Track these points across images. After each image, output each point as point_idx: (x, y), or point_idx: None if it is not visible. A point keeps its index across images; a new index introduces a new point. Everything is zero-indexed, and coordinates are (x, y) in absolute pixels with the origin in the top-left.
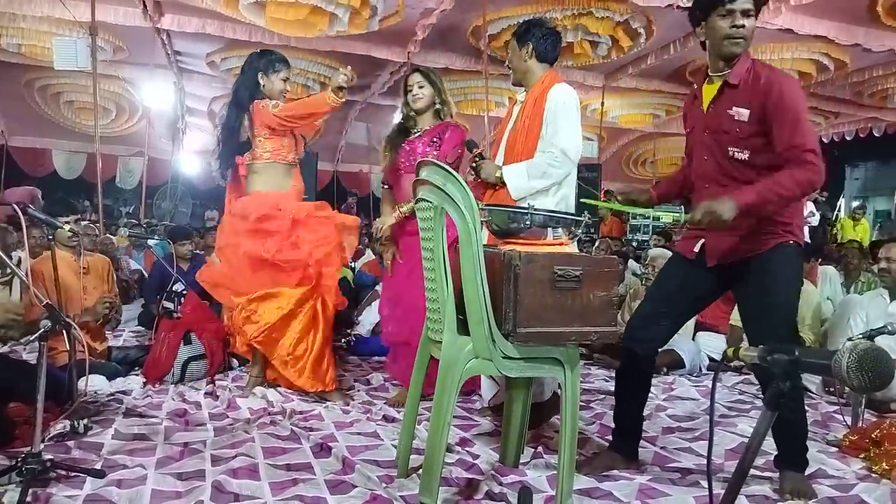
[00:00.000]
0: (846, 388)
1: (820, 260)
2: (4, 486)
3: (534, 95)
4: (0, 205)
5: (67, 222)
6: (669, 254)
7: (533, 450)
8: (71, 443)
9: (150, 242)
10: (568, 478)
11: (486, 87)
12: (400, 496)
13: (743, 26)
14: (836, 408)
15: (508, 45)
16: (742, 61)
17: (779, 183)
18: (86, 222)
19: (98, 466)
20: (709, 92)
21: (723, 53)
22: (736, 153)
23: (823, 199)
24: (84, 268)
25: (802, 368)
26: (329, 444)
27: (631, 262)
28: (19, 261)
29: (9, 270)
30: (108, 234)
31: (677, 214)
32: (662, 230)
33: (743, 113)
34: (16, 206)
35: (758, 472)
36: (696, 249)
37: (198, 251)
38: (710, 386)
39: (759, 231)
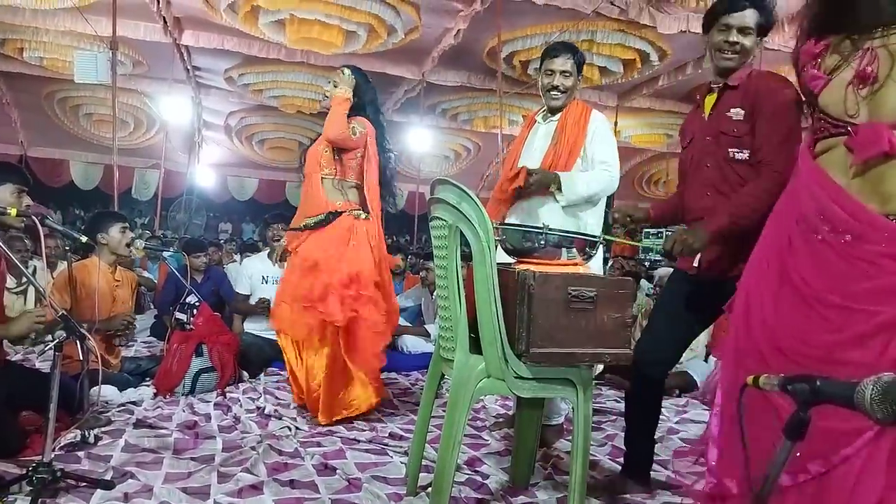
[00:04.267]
0: None
1: None
2: (15, 494)
3: (574, 116)
4: (19, 216)
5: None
6: None
7: (543, 470)
8: (81, 453)
9: (165, 254)
10: (579, 500)
11: (501, 105)
12: None
13: (737, 43)
14: None
15: (560, 67)
16: (743, 69)
17: (750, 196)
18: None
19: (108, 477)
20: (710, 101)
21: (716, 66)
22: (736, 154)
23: None
24: (118, 280)
25: (823, 398)
26: (335, 461)
27: (643, 283)
28: (34, 270)
29: (24, 280)
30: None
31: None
32: (671, 251)
33: (739, 112)
34: (34, 217)
35: None
36: (696, 264)
37: (212, 263)
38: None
39: (748, 246)
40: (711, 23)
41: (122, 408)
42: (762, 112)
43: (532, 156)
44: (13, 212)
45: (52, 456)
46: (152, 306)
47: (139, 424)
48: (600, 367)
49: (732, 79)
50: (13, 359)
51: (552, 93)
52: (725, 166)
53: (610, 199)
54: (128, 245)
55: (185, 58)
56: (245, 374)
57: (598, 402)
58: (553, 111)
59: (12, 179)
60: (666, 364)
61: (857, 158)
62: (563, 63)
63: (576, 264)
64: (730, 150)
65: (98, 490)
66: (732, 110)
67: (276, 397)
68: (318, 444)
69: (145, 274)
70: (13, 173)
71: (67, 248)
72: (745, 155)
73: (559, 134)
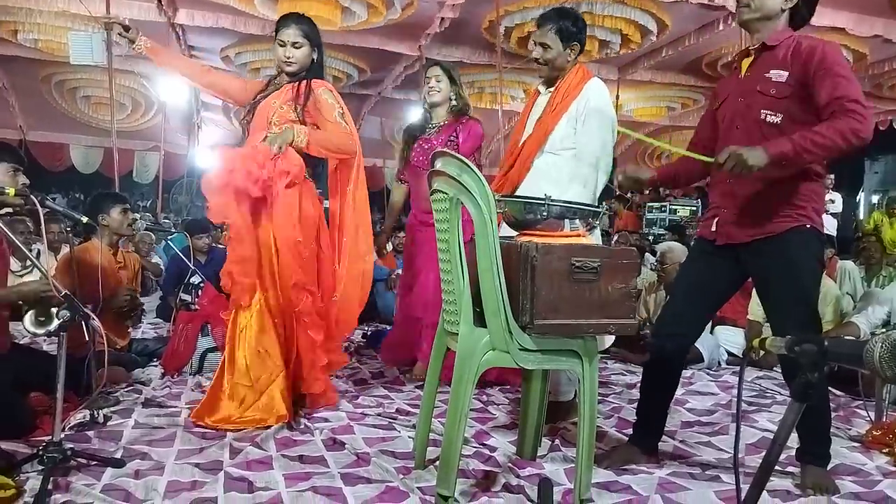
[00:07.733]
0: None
1: (834, 254)
2: (27, 473)
3: (571, 82)
4: (17, 195)
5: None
6: (679, 247)
7: (550, 442)
8: (91, 432)
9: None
10: (586, 471)
11: (500, 81)
12: (417, 487)
13: None
14: (858, 402)
15: (539, 38)
16: (780, 30)
17: (818, 132)
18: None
19: (118, 456)
20: (747, 63)
21: (740, 22)
22: (769, 116)
23: (830, 181)
24: (120, 262)
25: (832, 359)
26: (343, 436)
27: (647, 256)
28: (38, 253)
29: (28, 262)
30: (145, 231)
31: (694, 206)
32: (675, 225)
33: (782, 74)
34: (34, 198)
35: (779, 467)
36: (714, 228)
37: (215, 244)
38: (729, 380)
39: (771, 213)
40: None
41: (131, 388)
42: (824, 66)
43: (533, 128)
44: (11, 191)
45: (62, 435)
46: (158, 288)
47: (148, 404)
48: (608, 342)
49: (771, 39)
50: (21, 342)
51: (536, 64)
52: (755, 129)
53: (612, 173)
54: (129, 225)
55: (181, 37)
56: None
57: (603, 374)
58: (549, 82)
59: (6, 159)
60: (688, 336)
61: None
62: (541, 35)
63: (579, 235)
64: (762, 111)
65: (109, 468)
66: (773, 71)
67: None
68: (326, 420)
69: (154, 259)
70: (7, 153)
71: (68, 228)
72: (777, 119)
73: (554, 101)
